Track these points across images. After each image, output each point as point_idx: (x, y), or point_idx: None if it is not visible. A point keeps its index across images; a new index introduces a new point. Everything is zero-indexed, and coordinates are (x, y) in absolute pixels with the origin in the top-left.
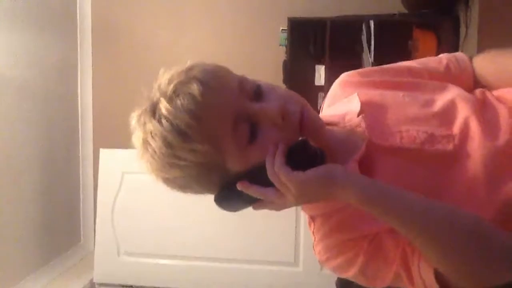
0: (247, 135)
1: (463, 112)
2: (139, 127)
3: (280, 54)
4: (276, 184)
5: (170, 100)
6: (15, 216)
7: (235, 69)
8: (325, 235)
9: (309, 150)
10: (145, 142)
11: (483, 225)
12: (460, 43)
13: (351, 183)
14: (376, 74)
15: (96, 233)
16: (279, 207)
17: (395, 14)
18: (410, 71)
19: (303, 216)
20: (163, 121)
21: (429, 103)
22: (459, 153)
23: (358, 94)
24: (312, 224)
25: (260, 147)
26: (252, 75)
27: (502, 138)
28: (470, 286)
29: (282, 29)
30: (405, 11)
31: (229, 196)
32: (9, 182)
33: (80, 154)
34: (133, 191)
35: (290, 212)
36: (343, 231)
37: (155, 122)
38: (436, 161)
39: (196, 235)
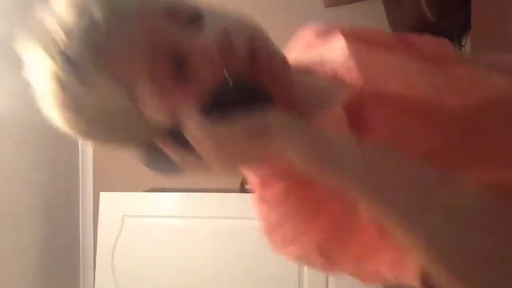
0: (171, 77)
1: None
2: (32, 64)
3: None
4: (189, 139)
5: (67, 30)
6: (12, 261)
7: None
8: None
9: (243, 91)
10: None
11: None
12: None
13: (295, 135)
14: (365, 31)
15: (95, 279)
16: (209, 170)
17: None
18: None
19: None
20: (57, 57)
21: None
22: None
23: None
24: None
25: (187, 93)
26: None
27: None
28: None
29: None
30: None
31: (154, 153)
32: (7, 227)
33: (80, 198)
34: (134, 235)
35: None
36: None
37: (46, 58)
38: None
39: (198, 280)
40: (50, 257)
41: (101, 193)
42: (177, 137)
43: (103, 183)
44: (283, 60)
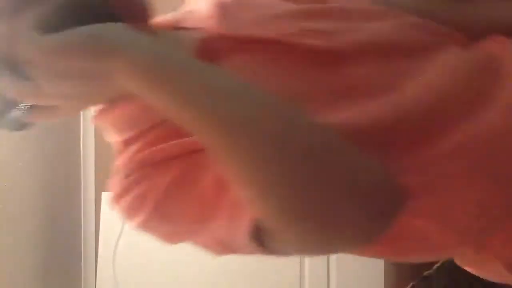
0: None
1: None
2: None
3: None
4: (29, 69)
5: None
6: (13, 261)
7: None
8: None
9: (90, 13)
10: None
11: (344, 144)
12: None
13: (127, 45)
14: None
15: (97, 278)
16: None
17: None
18: None
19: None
20: None
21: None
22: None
23: None
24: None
25: (27, 11)
26: None
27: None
28: (300, 244)
29: None
30: None
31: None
32: (8, 226)
33: (82, 198)
34: (135, 235)
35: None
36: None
37: None
38: (312, 60)
39: (199, 279)
40: (52, 257)
41: (103, 193)
42: (20, 74)
43: (105, 184)
44: (147, 9)
